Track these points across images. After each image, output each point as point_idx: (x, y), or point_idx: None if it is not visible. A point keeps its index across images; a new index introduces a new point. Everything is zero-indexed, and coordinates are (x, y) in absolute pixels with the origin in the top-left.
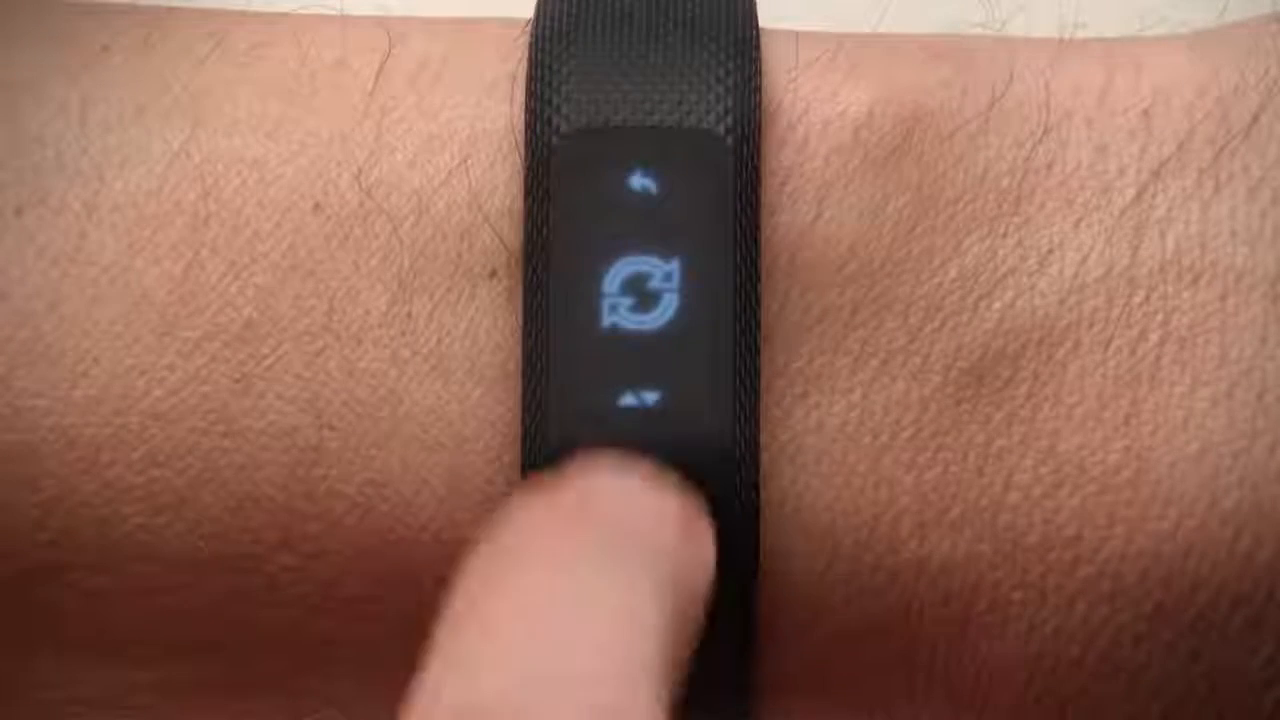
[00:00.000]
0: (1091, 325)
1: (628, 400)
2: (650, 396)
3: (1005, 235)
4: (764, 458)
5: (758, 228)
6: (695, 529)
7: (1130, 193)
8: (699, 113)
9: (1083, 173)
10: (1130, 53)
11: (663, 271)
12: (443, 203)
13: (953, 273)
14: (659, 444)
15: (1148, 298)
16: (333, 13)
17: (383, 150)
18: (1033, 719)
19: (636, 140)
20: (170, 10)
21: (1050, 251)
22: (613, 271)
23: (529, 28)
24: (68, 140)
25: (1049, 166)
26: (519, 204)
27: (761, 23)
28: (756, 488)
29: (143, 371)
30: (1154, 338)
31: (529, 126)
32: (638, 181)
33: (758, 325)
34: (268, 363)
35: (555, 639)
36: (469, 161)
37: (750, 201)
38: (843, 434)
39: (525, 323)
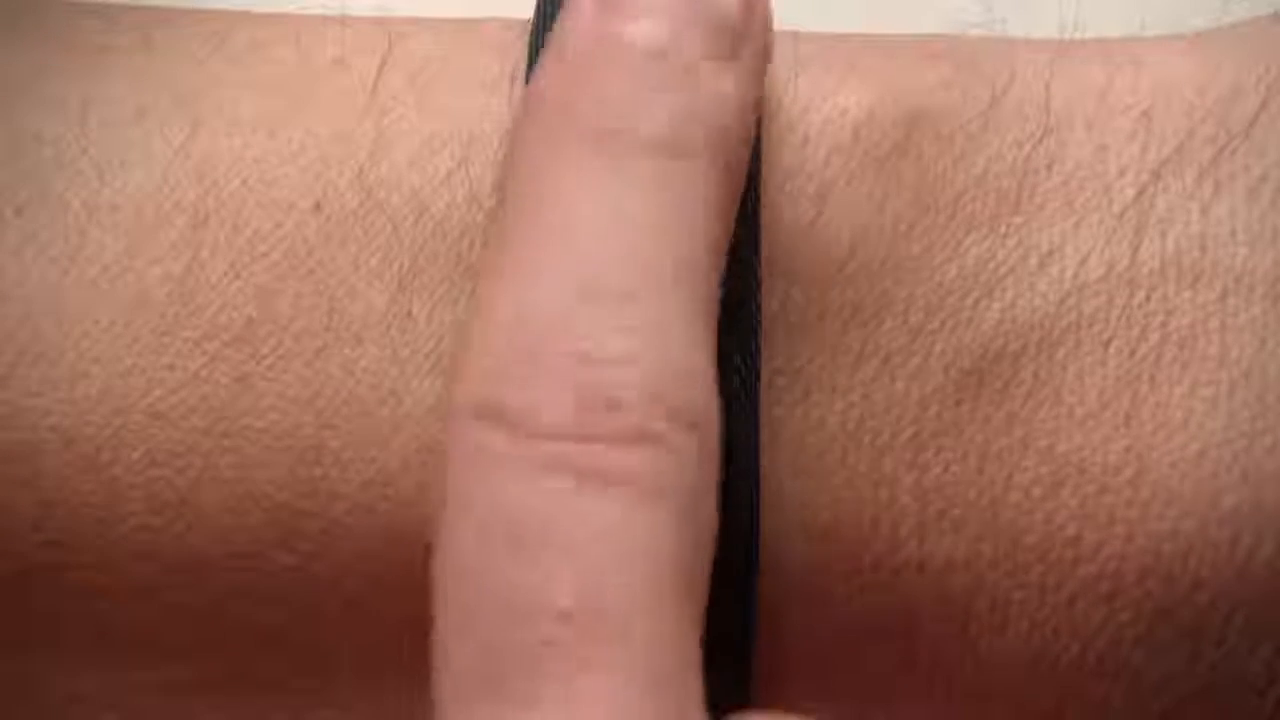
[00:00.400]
0: (1091, 325)
1: None
2: None
3: (1005, 235)
4: (764, 457)
5: (758, 227)
6: (750, 34)
7: (1130, 193)
8: None
9: (1083, 173)
10: (1130, 53)
11: None
12: (443, 202)
13: (953, 273)
14: None
15: (1148, 298)
16: (333, 13)
17: (383, 150)
18: (1032, 718)
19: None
20: (170, 10)
21: (1050, 252)
22: None
23: (528, 27)
24: (68, 140)
25: (1049, 166)
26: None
27: None
28: (757, 487)
29: (142, 371)
30: (1154, 338)
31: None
32: None
33: (758, 325)
34: (268, 362)
35: (601, 254)
36: (469, 161)
37: (750, 201)
38: (843, 433)
39: None
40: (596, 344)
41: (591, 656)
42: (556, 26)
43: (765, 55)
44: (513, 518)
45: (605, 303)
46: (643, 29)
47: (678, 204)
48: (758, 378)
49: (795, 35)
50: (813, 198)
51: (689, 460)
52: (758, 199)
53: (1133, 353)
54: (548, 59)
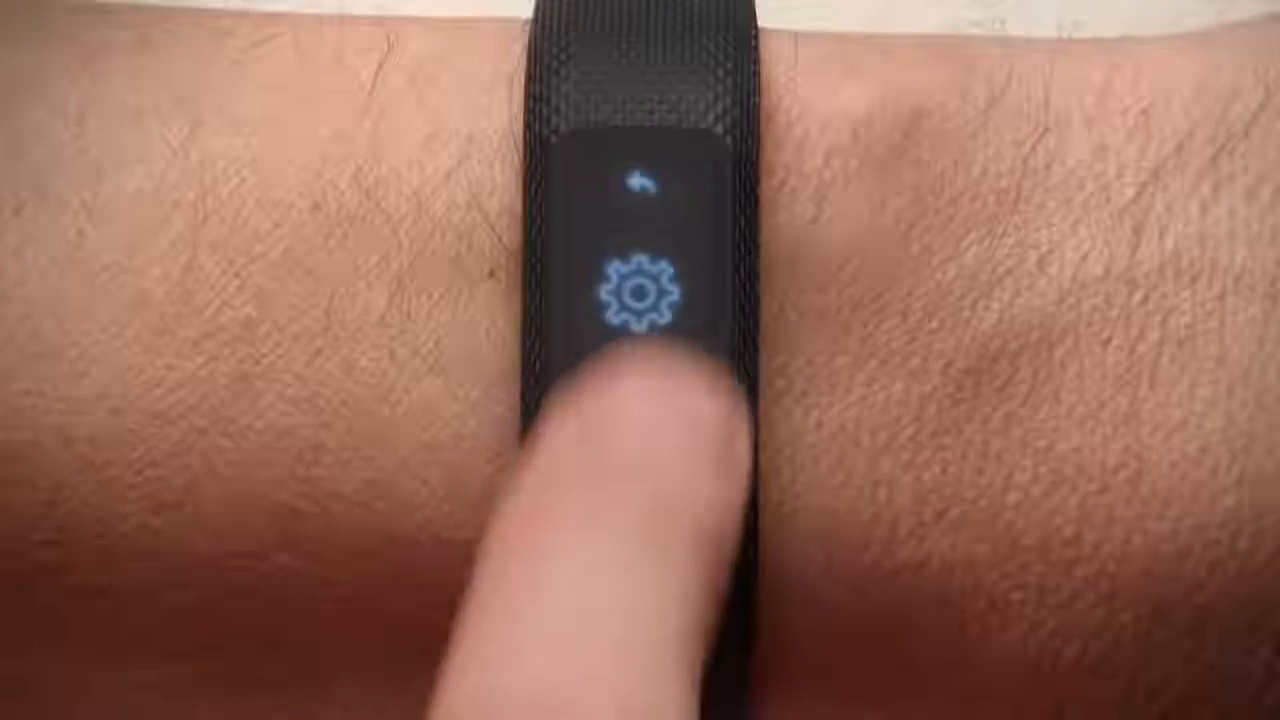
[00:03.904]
0: (1090, 325)
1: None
2: None
3: (1004, 235)
4: (763, 457)
5: (757, 227)
6: (731, 445)
7: (1129, 192)
8: (698, 112)
9: (1081, 172)
10: (1129, 52)
11: (661, 271)
12: (441, 202)
13: (951, 272)
14: None
15: (1146, 297)
16: (331, 13)
17: (381, 150)
18: (1031, 719)
19: (635, 140)
20: (170, 10)
21: (1049, 251)
22: (611, 271)
23: (528, 28)
24: (67, 139)
25: (1048, 166)
26: (518, 204)
27: (761, 23)
28: (755, 487)
29: (141, 370)
30: (1153, 337)
31: (528, 126)
32: (636, 181)
33: (756, 325)
34: (267, 362)
35: (586, 633)
36: (468, 161)
37: (749, 201)
38: (841, 434)
39: (524, 322)
40: (565, 708)
41: None
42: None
43: (748, 458)
44: None
45: (576, 675)
46: (628, 429)
47: (655, 591)
48: (757, 377)
49: (795, 35)
50: (812, 198)
51: None
52: (757, 199)
53: (1131, 352)
54: (531, 450)
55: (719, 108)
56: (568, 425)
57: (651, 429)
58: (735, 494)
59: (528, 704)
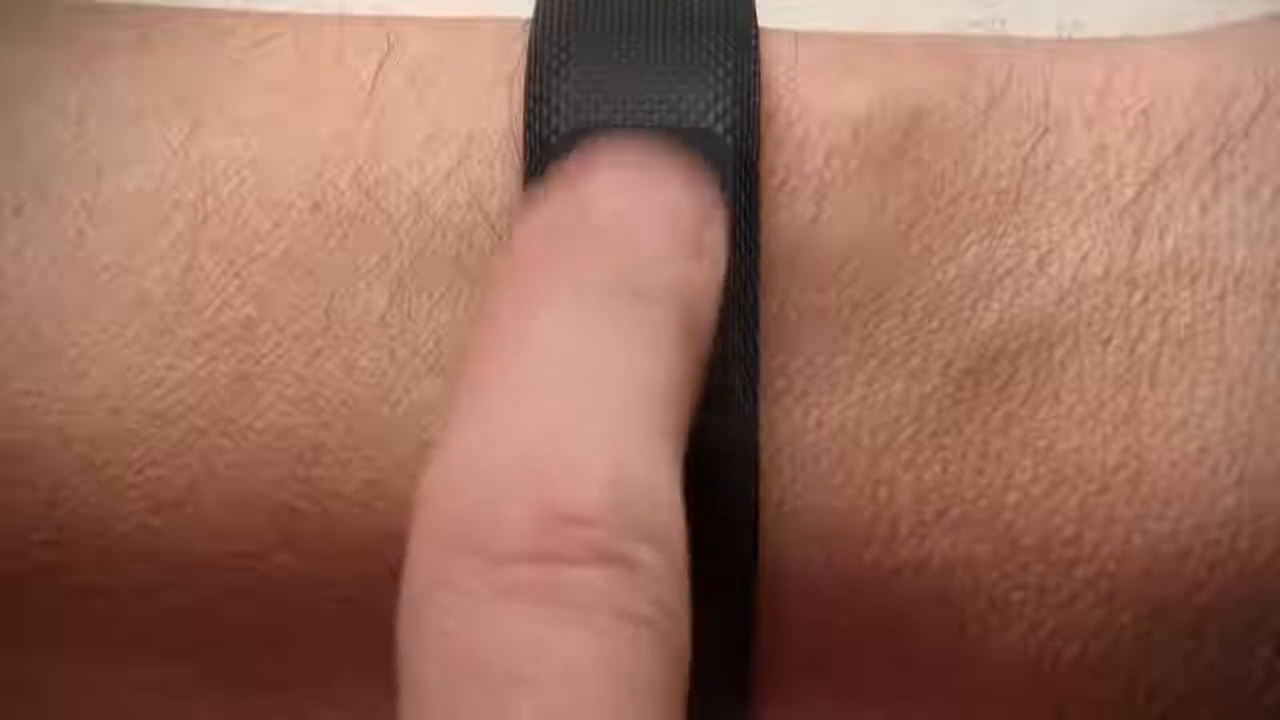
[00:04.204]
0: (1090, 325)
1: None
2: None
3: (1004, 235)
4: (763, 457)
5: (757, 227)
6: (707, 232)
7: (1129, 192)
8: (698, 112)
9: (1081, 172)
10: (1129, 52)
11: None
12: (441, 202)
13: (951, 272)
14: None
15: (1146, 297)
16: (332, 13)
17: (382, 150)
18: (1031, 718)
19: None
20: (170, 10)
21: (1049, 251)
22: None
23: (528, 27)
24: (67, 139)
25: (1048, 166)
26: (518, 203)
27: (761, 23)
28: (755, 487)
29: (141, 370)
30: (1153, 337)
31: (528, 126)
32: None
33: (757, 324)
34: (267, 362)
35: (578, 394)
36: (468, 161)
37: (749, 201)
38: (842, 433)
39: None
40: (558, 467)
41: None
42: (535, 192)
43: (723, 244)
44: (476, 650)
45: (567, 428)
46: (605, 201)
47: (633, 348)
48: (757, 377)
49: (795, 35)
50: (812, 197)
51: (658, 580)
52: (757, 198)
53: (1131, 352)
54: (526, 210)
55: (719, 108)
56: (549, 207)
57: (627, 214)
58: (710, 275)
59: (520, 467)
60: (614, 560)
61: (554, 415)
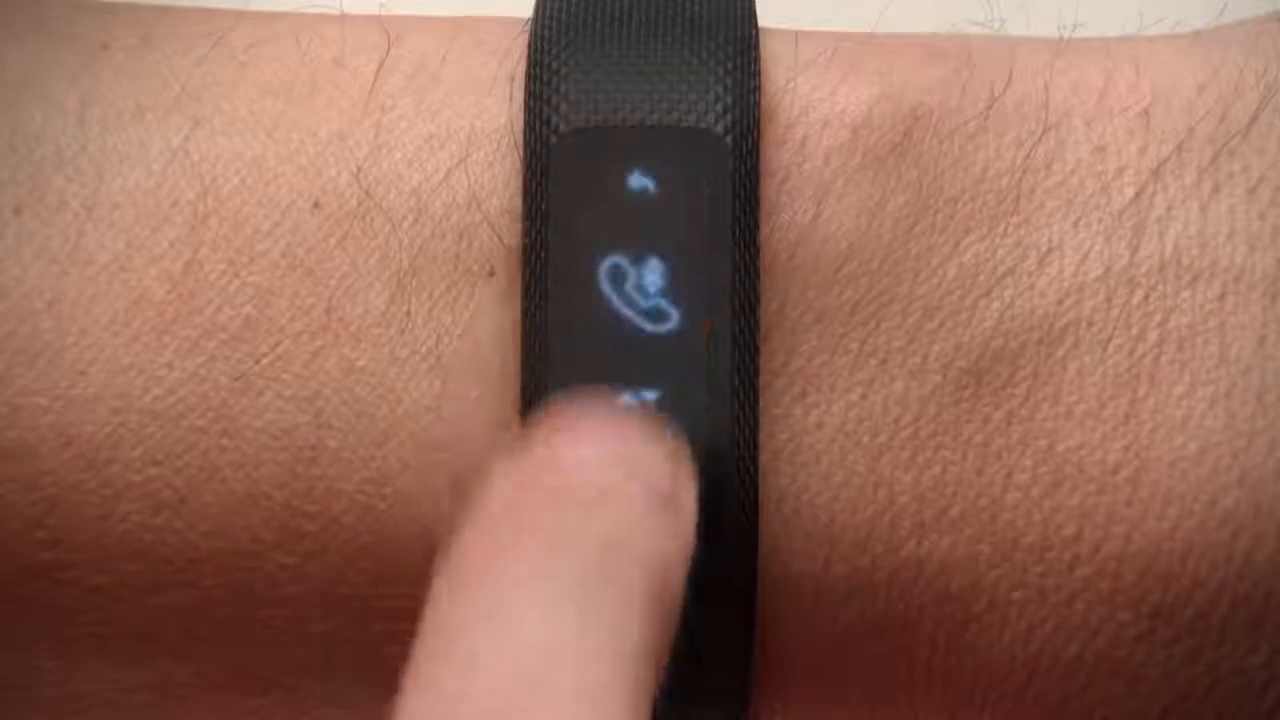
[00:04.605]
0: (1090, 325)
1: (626, 400)
2: (649, 396)
3: (1004, 235)
4: (763, 457)
5: (756, 227)
6: (677, 496)
7: (1129, 192)
8: (698, 112)
9: (1082, 172)
10: (1129, 52)
11: (661, 271)
12: (441, 202)
13: (951, 272)
14: None
15: (1146, 297)
16: (332, 12)
17: (381, 149)
18: (1031, 718)
19: (635, 139)
20: (169, 9)
21: (1049, 251)
22: (611, 270)
23: (528, 27)
24: (67, 138)
25: (1048, 166)
26: (518, 203)
27: (761, 22)
28: (755, 487)
29: (141, 370)
30: (1153, 337)
31: (528, 126)
32: (636, 181)
33: (756, 324)
34: (266, 361)
35: (542, 669)
36: (468, 160)
37: (749, 201)
38: (841, 433)
39: (524, 322)
40: None
41: None
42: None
43: (692, 508)
44: None
45: (530, 705)
46: (574, 465)
47: (601, 622)
48: (757, 377)
49: (795, 35)
50: (811, 197)
51: None
52: (757, 198)
53: (1132, 352)
54: (481, 493)
55: (719, 107)
56: (516, 471)
57: (599, 476)
58: (681, 537)
59: None
60: None
61: (518, 696)
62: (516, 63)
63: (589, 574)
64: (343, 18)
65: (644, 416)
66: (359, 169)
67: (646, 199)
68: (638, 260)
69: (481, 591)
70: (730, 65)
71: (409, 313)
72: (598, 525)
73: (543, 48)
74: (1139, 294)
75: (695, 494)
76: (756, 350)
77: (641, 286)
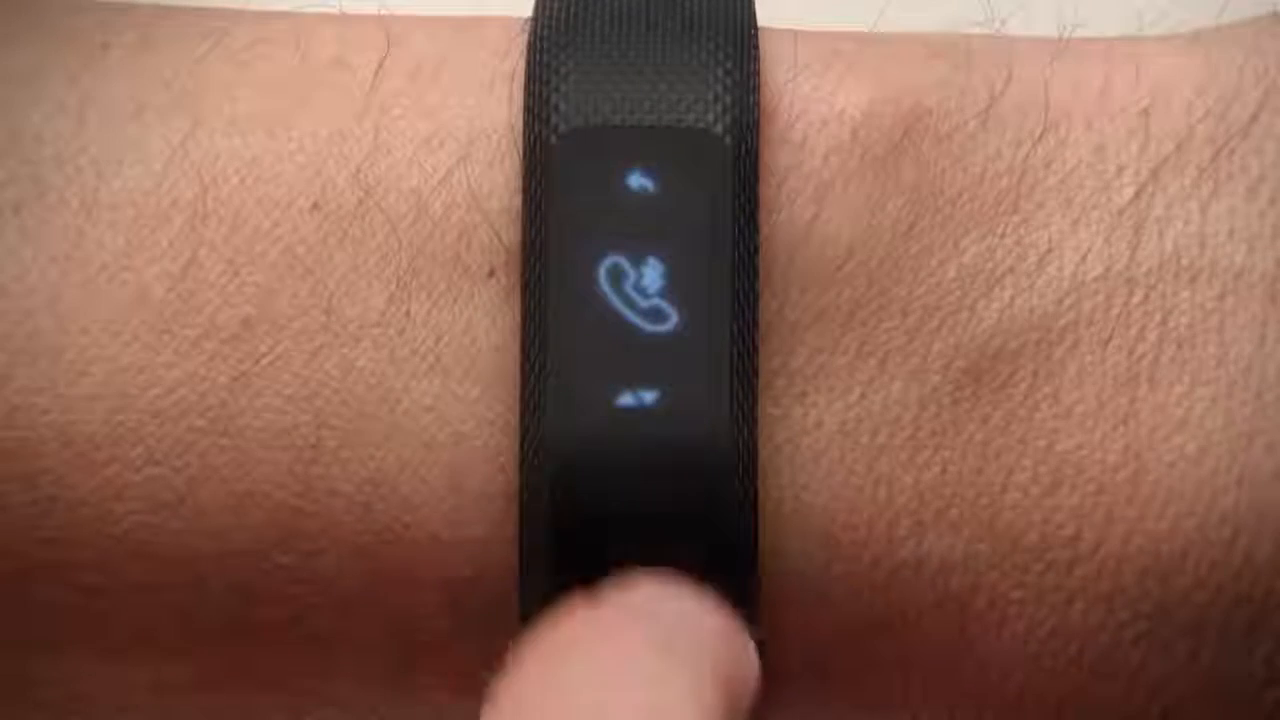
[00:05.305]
0: (1090, 324)
1: (626, 400)
2: (648, 396)
3: (1004, 234)
4: (762, 457)
5: (756, 227)
6: (738, 637)
7: (1129, 192)
8: (697, 112)
9: (1081, 172)
10: (1129, 52)
11: (661, 271)
12: (441, 202)
13: (951, 272)
14: (657, 443)
15: (1146, 297)
16: (331, 12)
17: (381, 149)
18: (1031, 718)
19: (635, 140)
20: (169, 8)
21: (1049, 251)
22: (611, 270)
23: (527, 27)
24: (66, 138)
25: (1047, 166)
26: (517, 203)
27: (761, 22)
28: (755, 487)
29: (141, 369)
30: (1152, 337)
31: (527, 126)
32: (636, 181)
33: (756, 324)
34: (266, 361)
35: None
36: (467, 160)
37: (748, 201)
38: (841, 433)
39: (523, 322)
40: None
41: None
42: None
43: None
44: None
45: None
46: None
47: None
48: (757, 377)
49: (795, 35)
50: (811, 197)
51: None
52: (756, 198)
53: (1131, 352)
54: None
55: (719, 107)
56: (576, 613)
57: (663, 603)
58: (748, 656)
59: None
60: None
61: None
62: (516, 63)
63: (654, 652)
64: (342, 18)
65: (688, 588)
66: (358, 169)
67: (646, 199)
68: (637, 260)
69: (550, 680)
70: (730, 65)
71: (408, 313)
72: (660, 632)
73: (542, 47)
74: (1139, 294)
75: (753, 644)
76: (756, 350)
77: (641, 286)
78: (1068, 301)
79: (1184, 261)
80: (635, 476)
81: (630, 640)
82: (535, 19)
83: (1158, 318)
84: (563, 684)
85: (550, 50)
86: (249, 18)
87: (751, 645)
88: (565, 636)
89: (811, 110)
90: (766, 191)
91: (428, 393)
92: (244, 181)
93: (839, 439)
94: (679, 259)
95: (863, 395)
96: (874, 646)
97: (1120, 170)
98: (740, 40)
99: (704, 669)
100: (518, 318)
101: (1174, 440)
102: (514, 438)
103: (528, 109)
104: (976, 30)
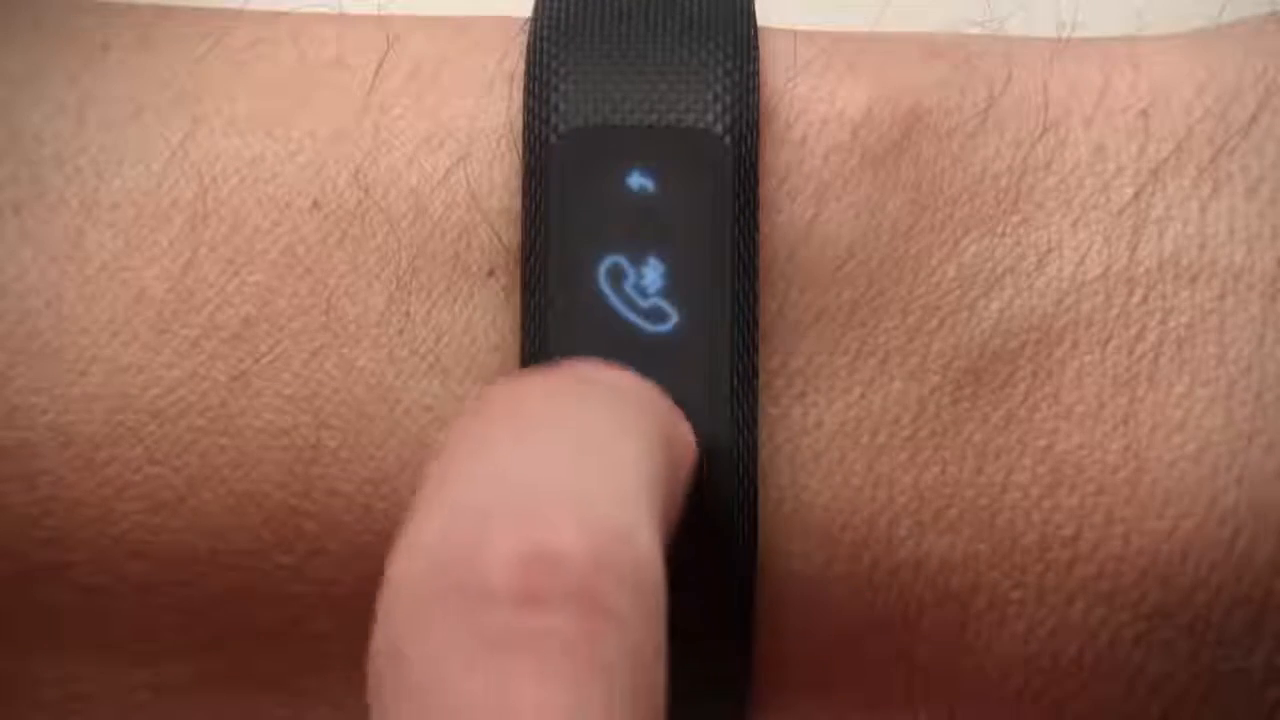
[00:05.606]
0: (1089, 325)
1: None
2: None
3: (1003, 234)
4: (762, 457)
5: (756, 227)
6: (680, 424)
7: (1128, 192)
8: (697, 112)
9: (1081, 172)
10: (1128, 52)
11: (661, 271)
12: (440, 201)
13: (951, 272)
14: None
15: (1146, 297)
16: (331, 12)
17: (380, 149)
18: (1031, 718)
19: (635, 139)
20: (169, 9)
21: (1048, 251)
22: (611, 270)
23: (527, 27)
24: (66, 138)
25: (1047, 166)
26: (517, 203)
27: (761, 22)
28: (755, 487)
29: (140, 369)
30: (1152, 337)
31: (527, 125)
32: (636, 181)
33: (756, 324)
34: (265, 361)
35: (556, 461)
36: (467, 160)
37: (748, 200)
38: (841, 433)
39: (523, 322)
40: (542, 511)
41: None
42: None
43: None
44: (454, 704)
45: (551, 478)
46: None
47: (628, 431)
48: (757, 377)
49: (794, 35)
50: (811, 197)
51: (634, 630)
52: (756, 198)
53: (1131, 352)
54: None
55: (718, 107)
56: (526, 375)
57: (611, 378)
58: (687, 436)
59: (503, 509)
60: (594, 608)
61: (537, 466)
62: (516, 62)
63: (601, 399)
64: (342, 18)
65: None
66: (358, 169)
67: (646, 199)
68: (637, 260)
69: (496, 411)
70: (730, 65)
71: (408, 312)
72: (608, 389)
73: (542, 47)
74: (1138, 294)
75: (693, 435)
76: (756, 350)
77: (641, 286)
78: (1067, 302)
79: (1184, 261)
80: None
81: (580, 390)
82: (535, 19)
83: (1157, 318)
84: (512, 416)
85: (550, 50)
86: (249, 18)
87: (691, 432)
88: (514, 387)
89: (811, 110)
90: (766, 191)
91: (428, 393)
92: (244, 181)
93: (839, 439)
94: (679, 259)
95: (863, 395)
96: (875, 645)
97: (1120, 170)
98: (740, 40)
99: (652, 426)
100: (518, 318)
101: (1174, 440)
102: None
103: (528, 109)
104: (976, 30)
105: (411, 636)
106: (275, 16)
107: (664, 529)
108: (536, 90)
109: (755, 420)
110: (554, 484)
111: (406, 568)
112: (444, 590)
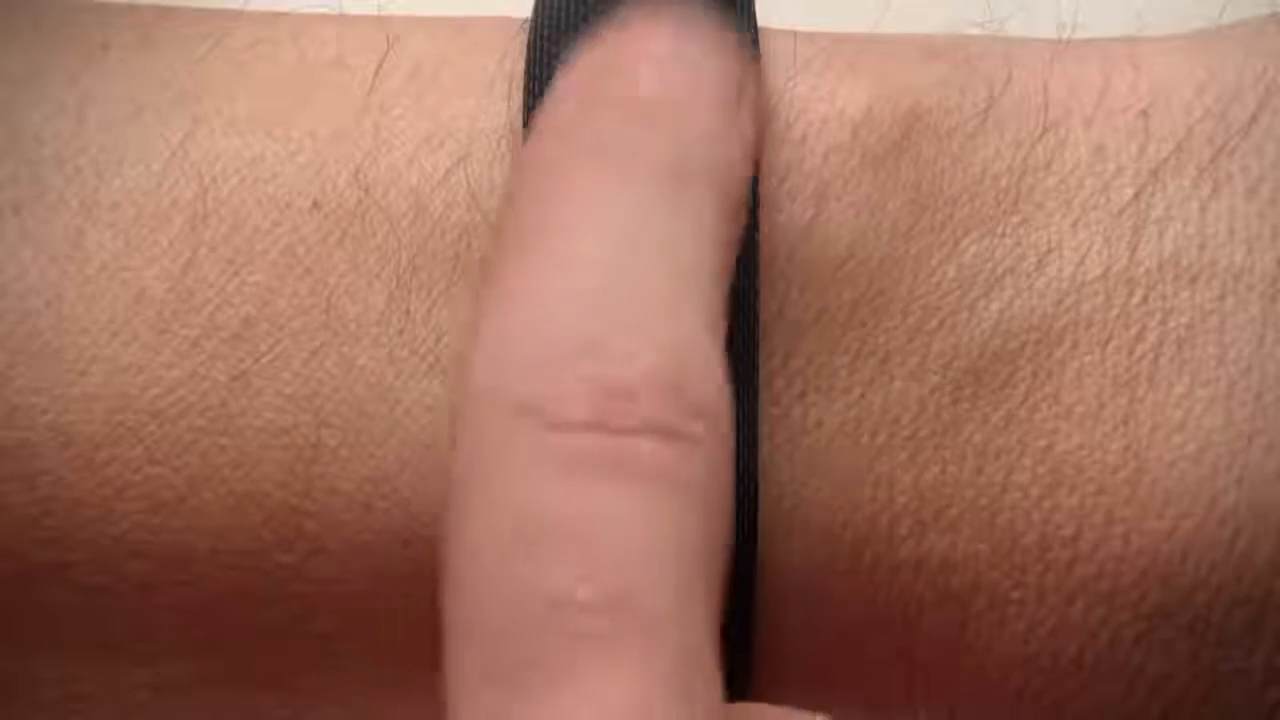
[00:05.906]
0: (1089, 325)
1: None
2: None
3: (1003, 235)
4: (762, 455)
5: (756, 226)
6: (742, 105)
7: (1128, 192)
8: None
9: (1081, 172)
10: (1128, 52)
11: None
12: (440, 201)
13: (951, 272)
14: None
15: (1146, 297)
16: (331, 12)
17: (380, 148)
18: (1031, 718)
19: None
20: (169, 9)
21: (1048, 251)
22: None
23: (526, 26)
24: (66, 138)
25: (1047, 166)
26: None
27: (761, 22)
28: (755, 486)
29: (140, 369)
30: (1152, 337)
31: (527, 125)
32: None
33: (756, 325)
34: (266, 360)
35: (623, 277)
36: (467, 160)
37: (749, 200)
38: (841, 433)
39: None
40: (613, 342)
41: (618, 652)
42: (561, 71)
43: (761, 101)
44: (534, 514)
45: (614, 308)
46: (647, 71)
47: (681, 228)
48: (757, 377)
49: (795, 35)
50: (811, 197)
51: (707, 454)
52: (756, 198)
53: (1131, 352)
54: (552, 97)
55: None
56: (582, 84)
57: (675, 88)
58: (746, 151)
59: (574, 341)
60: (668, 433)
61: (605, 292)
62: (516, 62)
63: (664, 192)
64: (342, 18)
65: (710, 25)
66: (358, 168)
67: None
68: None
69: (558, 208)
70: None
71: (408, 312)
72: (673, 143)
73: (542, 47)
74: (1138, 294)
75: (757, 99)
76: (756, 350)
77: None
78: (1067, 302)
79: (1183, 262)
80: None
81: (647, 171)
82: (534, 18)
83: (1157, 318)
84: (582, 229)
85: (550, 49)
86: (249, 18)
87: (754, 98)
88: (582, 156)
89: (811, 109)
90: (766, 190)
91: (428, 392)
92: (244, 181)
93: (839, 438)
94: None
95: (863, 395)
96: (874, 645)
97: (1120, 171)
98: (740, 40)
99: (703, 201)
100: None
101: (1173, 440)
102: None
103: (527, 109)
104: (976, 30)
105: (490, 463)
106: (275, 17)
107: (724, 317)
108: (536, 90)
109: (755, 419)
110: (621, 310)
111: (483, 397)
112: (523, 417)
